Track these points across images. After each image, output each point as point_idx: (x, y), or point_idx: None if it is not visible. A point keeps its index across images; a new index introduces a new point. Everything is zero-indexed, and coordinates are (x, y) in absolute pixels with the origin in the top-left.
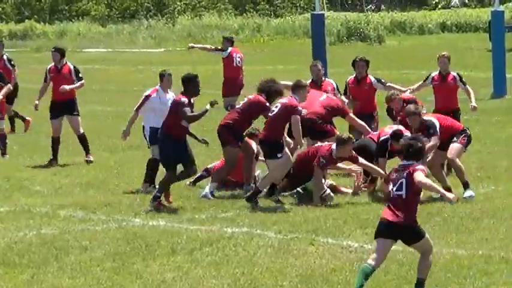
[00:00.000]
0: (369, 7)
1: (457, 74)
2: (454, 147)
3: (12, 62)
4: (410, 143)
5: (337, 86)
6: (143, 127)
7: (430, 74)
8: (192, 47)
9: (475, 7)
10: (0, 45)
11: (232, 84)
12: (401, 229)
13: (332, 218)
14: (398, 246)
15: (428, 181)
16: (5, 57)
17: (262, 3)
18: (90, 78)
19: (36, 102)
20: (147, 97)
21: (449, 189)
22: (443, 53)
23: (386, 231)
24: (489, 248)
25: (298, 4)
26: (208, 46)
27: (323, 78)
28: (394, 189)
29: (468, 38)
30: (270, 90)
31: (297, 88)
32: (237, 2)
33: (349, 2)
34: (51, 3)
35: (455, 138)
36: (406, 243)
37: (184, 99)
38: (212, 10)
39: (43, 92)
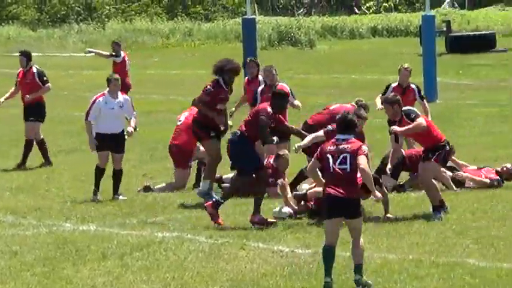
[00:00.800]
0: (300, 11)
1: (416, 86)
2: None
3: None
4: (343, 116)
5: (291, 90)
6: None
7: (389, 85)
8: (90, 52)
9: (406, 12)
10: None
11: (123, 87)
12: (348, 202)
13: None
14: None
15: (368, 171)
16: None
17: (194, 7)
18: None
19: (1, 99)
20: (94, 102)
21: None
22: (405, 66)
23: (335, 206)
24: (420, 252)
25: (229, 8)
26: (104, 52)
27: (277, 83)
28: (337, 163)
29: (399, 43)
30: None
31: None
32: (168, 7)
33: (280, 6)
34: None
35: (430, 154)
36: (347, 217)
37: (270, 111)
38: (143, 14)
39: (11, 95)
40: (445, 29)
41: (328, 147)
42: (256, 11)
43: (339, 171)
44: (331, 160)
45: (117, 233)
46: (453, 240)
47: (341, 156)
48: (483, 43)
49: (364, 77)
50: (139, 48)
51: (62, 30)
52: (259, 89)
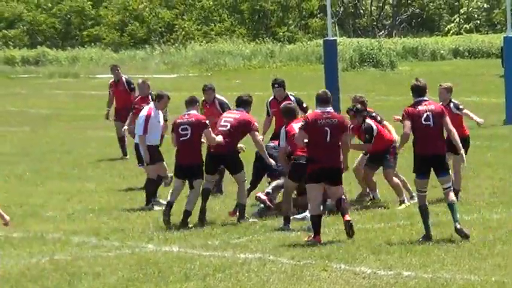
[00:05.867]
0: (381, 33)
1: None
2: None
3: (132, 86)
4: None
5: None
6: (136, 145)
7: None
8: None
9: (487, 33)
10: (114, 68)
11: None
12: None
13: (345, 243)
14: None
15: None
16: (124, 79)
17: (277, 29)
18: (103, 104)
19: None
20: (148, 117)
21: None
22: (444, 85)
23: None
24: (502, 274)
25: (310, 30)
26: None
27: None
28: None
29: (481, 64)
30: None
31: None
32: (250, 28)
33: (361, 28)
34: (64, 29)
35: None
36: None
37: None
38: (225, 36)
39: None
40: None
41: None
42: (338, 33)
43: None
44: None
45: (199, 254)
46: None
47: None
48: None
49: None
50: (221, 70)
51: (144, 52)
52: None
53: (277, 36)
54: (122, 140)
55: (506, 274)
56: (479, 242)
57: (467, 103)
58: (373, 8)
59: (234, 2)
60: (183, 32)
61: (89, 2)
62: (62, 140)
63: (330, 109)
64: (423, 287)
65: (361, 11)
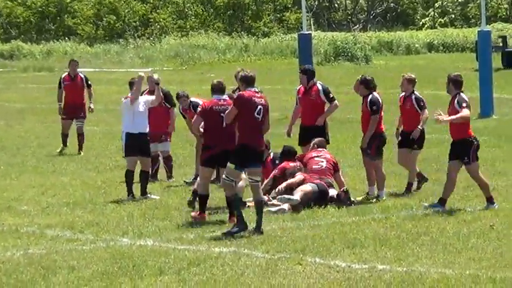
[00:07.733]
0: (356, 27)
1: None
2: None
3: (89, 82)
4: None
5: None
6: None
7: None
8: None
9: (462, 27)
10: (74, 64)
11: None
12: None
13: (319, 237)
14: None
15: None
16: (81, 75)
17: (252, 23)
18: None
19: None
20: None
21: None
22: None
23: None
24: (477, 267)
25: (285, 24)
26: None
27: None
28: None
29: (455, 58)
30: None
31: None
32: (226, 22)
33: (336, 22)
34: (38, 23)
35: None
36: None
37: None
38: (200, 30)
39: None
40: (501, 44)
41: None
42: (312, 27)
43: None
44: None
45: (174, 248)
46: (510, 255)
47: None
48: None
49: (420, 92)
50: (195, 64)
51: (118, 46)
52: None
53: (252, 30)
54: (65, 136)
55: (480, 268)
56: (453, 236)
57: (442, 97)
58: (347, 1)
59: None
60: (158, 26)
61: None
62: (36, 133)
63: (225, 97)
64: (398, 280)
65: (336, 5)
